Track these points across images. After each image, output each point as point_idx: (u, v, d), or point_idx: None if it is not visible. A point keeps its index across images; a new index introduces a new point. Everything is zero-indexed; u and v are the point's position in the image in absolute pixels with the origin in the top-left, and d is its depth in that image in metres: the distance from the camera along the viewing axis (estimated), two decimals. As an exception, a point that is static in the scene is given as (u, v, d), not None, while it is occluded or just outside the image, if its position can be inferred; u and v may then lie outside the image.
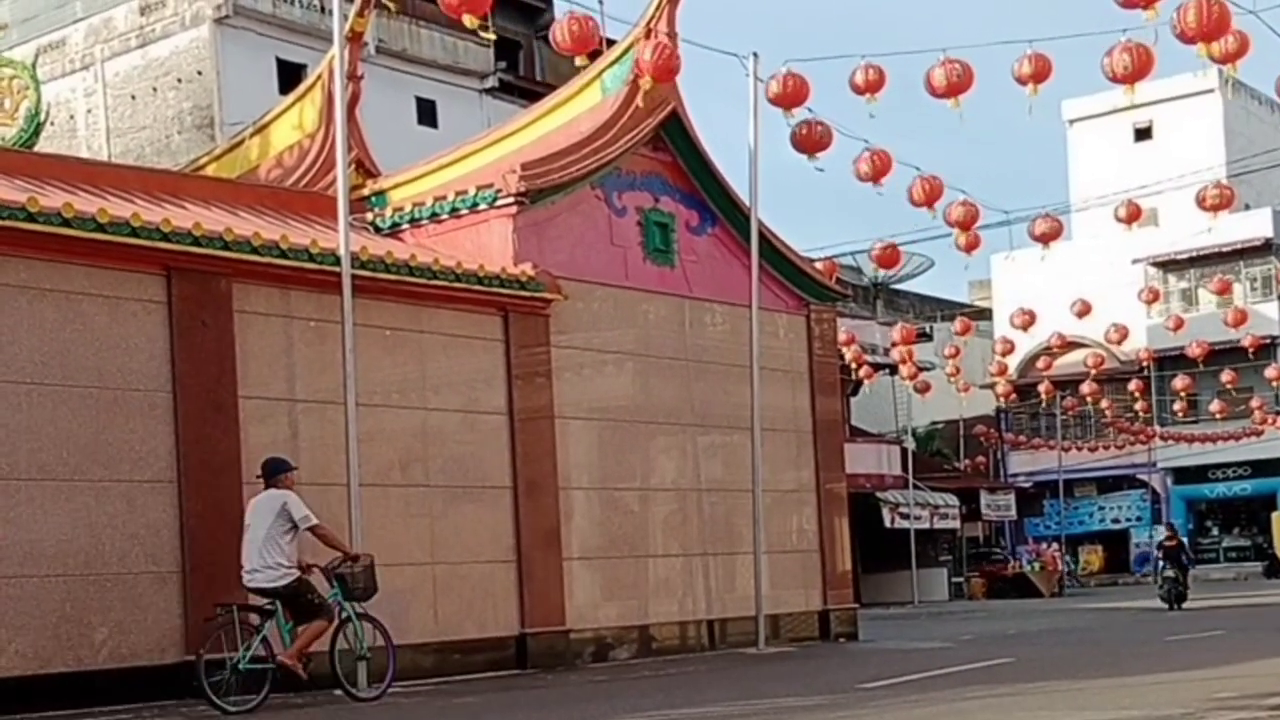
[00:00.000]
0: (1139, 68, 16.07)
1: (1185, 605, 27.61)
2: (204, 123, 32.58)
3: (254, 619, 12.45)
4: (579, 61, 16.12)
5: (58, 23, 35.33)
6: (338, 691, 13.02)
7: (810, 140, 17.84)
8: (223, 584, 13.65)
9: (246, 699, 12.17)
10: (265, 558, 12.46)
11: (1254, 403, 45.24)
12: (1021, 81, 17.01)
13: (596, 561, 17.58)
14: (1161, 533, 37.60)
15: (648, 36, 18.05)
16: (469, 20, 14.61)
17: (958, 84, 17.05)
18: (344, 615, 13.06)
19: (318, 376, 14.87)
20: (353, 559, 13.08)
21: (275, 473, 12.90)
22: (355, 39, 18.67)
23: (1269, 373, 43.68)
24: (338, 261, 14.42)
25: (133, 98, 33.98)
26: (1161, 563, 29.04)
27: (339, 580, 13.02)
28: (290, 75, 31.13)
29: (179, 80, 33.22)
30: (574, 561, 17.28)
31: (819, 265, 23.40)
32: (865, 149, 18.62)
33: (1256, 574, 47.07)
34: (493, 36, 15.72)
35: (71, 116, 34.85)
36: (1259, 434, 46.19)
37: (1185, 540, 33.50)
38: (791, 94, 17.23)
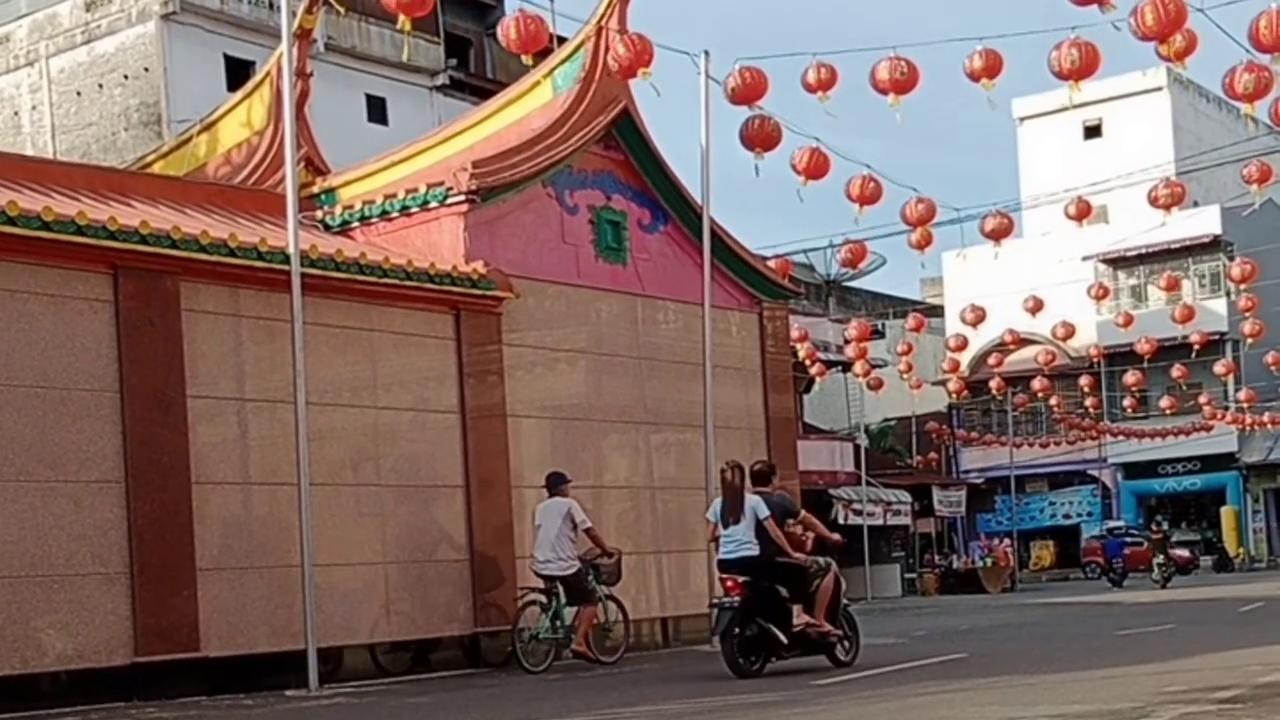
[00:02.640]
0: (1086, 64, 16.14)
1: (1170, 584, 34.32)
2: (151, 120, 32.32)
3: (543, 599, 15.43)
4: (526, 60, 16.04)
5: (1, 18, 34.97)
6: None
7: (760, 137, 17.81)
8: (170, 585, 13.56)
9: (541, 663, 15.23)
10: (557, 551, 15.32)
11: (1203, 398, 45.65)
12: (973, 77, 17.05)
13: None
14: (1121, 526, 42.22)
15: (599, 34, 18.02)
16: (403, 22, 14.56)
17: (902, 81, 17.08)
18: (599, 598, 15.82)
19: (267, 375, 14.75)
20: (607, 554, 15.99)
21: (559, 484, 15.83)
22: (304, 36, 18.54)
23: (1217, 368, 44.09)
24: (287, 260, 14.30)
25: (78, 94, 33.66)
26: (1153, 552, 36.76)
27: (594, 569, 15.81)
28: (238, 72, 30.94)
29: (125, 77, 32.94)
30: (527, 560, 17.20)
31: (771, 263, 23.44)
32: (802, 148, 18.54)
33: (1206, 568, 47.52)
34: (409, 28, 15.60)
35: (16, 113, 34.51)
36: (1208, 429, 46.60)
37: (1167, 533, 39.85)
38: (750, 89, 17.20)
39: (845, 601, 13.95)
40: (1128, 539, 45.44)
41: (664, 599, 19.04)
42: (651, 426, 19.08)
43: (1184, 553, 46.78)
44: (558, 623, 15.41)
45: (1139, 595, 31.12)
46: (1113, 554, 44.52)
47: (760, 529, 13.13)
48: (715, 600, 13.60)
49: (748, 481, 13.58)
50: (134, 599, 13.41)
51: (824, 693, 11.51)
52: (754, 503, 13.31)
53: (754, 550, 13.12)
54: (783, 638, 12.99)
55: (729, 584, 13.06)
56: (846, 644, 13.74)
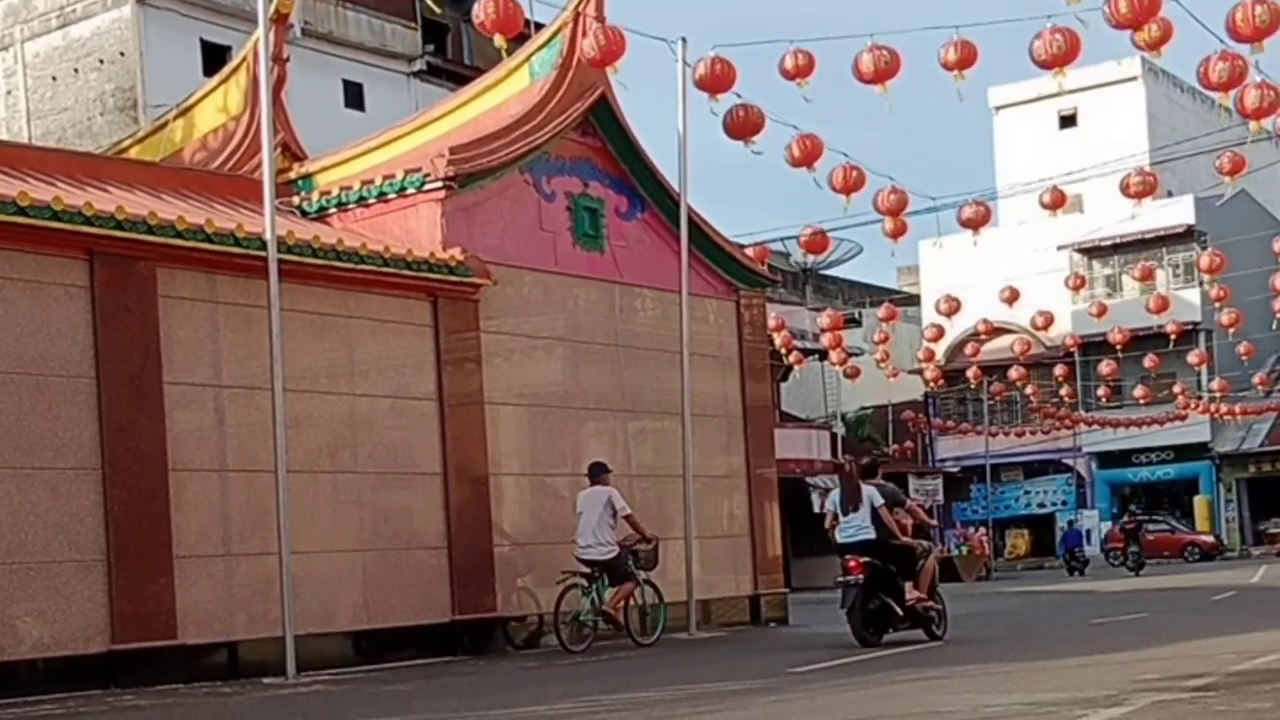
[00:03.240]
0: (1066, 52, 16.18)
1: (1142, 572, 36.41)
2: (127, 104, 32.15)
3: (584, 583, 16.09)
4: (499, 43, 15.97)
5: (-24, 3, 34.71)
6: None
7: (744, 125, 17.81)
8: (147, 572, 13.53)
9: (581, 644, 15.95)
10: (597, 536, 16.07)
11: (1176, 388, 45.84)
12: (947, 68, 17.08)
13: (528, 547, 17.52)
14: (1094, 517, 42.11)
15: (576, 19, 17.98)
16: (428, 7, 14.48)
17: (885, 70, 17.09)
18: (638, 581, 16.59)
19: (244, 362, 14.71)
20: (646, 540, 16.69)
21: (600, 473, 16.57)
22: (281, 20, 18.47)
23: (1191, 358, 44.28)
24: (264, 246, 14.26)
25: (53, 79, 33.47)
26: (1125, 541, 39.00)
27: (633, 554, 16.53)
28: (215, 57, 30.77)
29: (101, 61, 32.76)
30: (506, 548, 17.21)
31: (749, 251, 23.44)
32: (795, 134, 18.58)
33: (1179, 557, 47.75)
34: (440, 10, 15.56)
35: (-9, 98, 34.26)
36: (1182, 419, 46.82)
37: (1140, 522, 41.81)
38: (718, 78, 17.18)
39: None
40: (1150, 527, 45.62)
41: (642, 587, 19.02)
42: (629, 414, 19.09)
43: (1209, 539, 47.29)
44: (598, 606, 16.15)
45: (1112, 584, 31.28)
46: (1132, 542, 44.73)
47: (875, 515, 14.65)
48: (840, 579, 14.71)
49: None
50: (111, 586, 13.37)
51: (802, 680, 11.56)
52: (870, 492, 14.86)
53: (871, 534, 14.61)
54: (899, 610, 14.61)
55: (852, 564, 14.47)
56: (939, 621, 15.24)
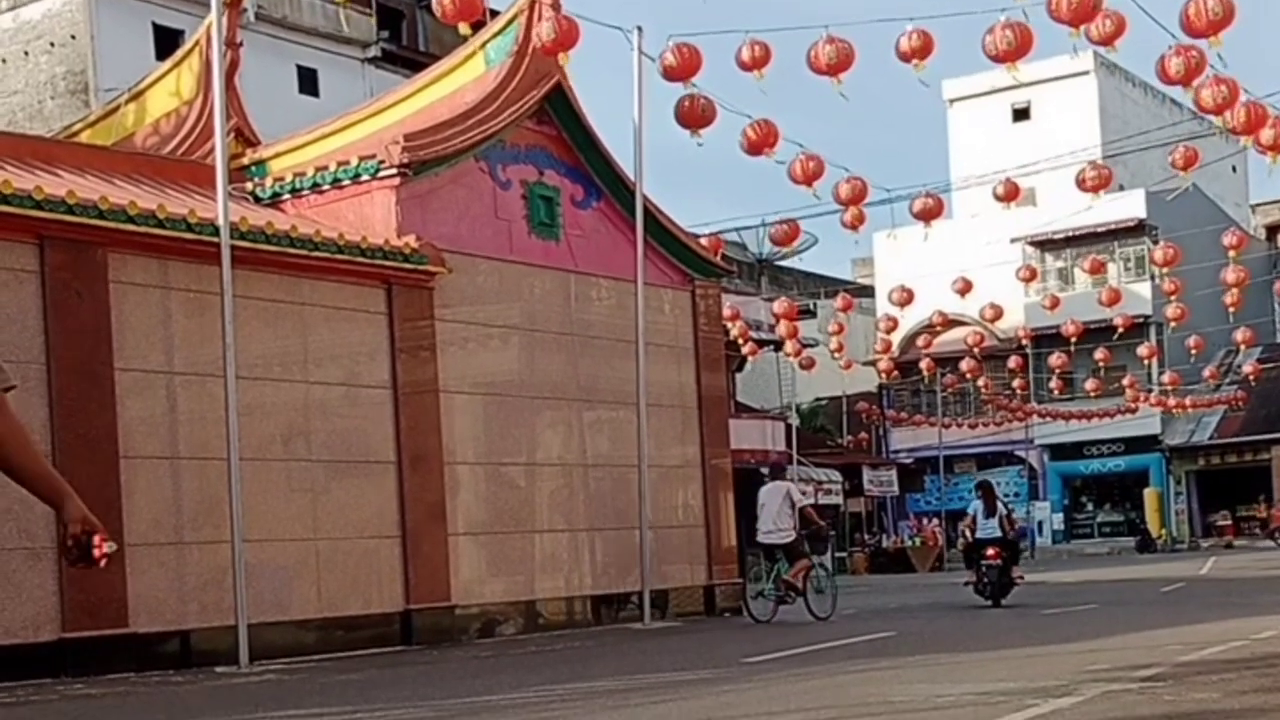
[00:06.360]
0: (1019, 47, 16.24)
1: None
2: (78, 88, 31.84)
3: (767, 564, 18.50)
4: (462, 30, 15.91)
5: (-76, -16, 34.26)
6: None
7: (694, 115, 17.79)
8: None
9: (764, 615, 18.08)
10: (778, 524, 18.25)
11: (1127, 381, 46.16)
12: (905, 58, 17.10)
13: (482, 537, 17.50)
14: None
15: (532, 7, 17.92)
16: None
17: (840, 63, 17.10)
18: (812, 563, 18.68)
19: (197, 349, 14.60)
20: (820, 526, 19.63)
21: (779, 472, 20.01)
22: (234, 5, 18.32)
23: (1141, 351, 44.60)
24: (216, 232, 14.15)
25: (3, 61, 33.09)
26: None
27: (809, 539, 18.78)
28: (167, 41, 30.50)
29: (52, 45, 32.41)
30: (459, 537, 17.18)
31: (704, 241, 23.44)
32: (756, 119, 18.53)
33: (1129, 549, 48.16)
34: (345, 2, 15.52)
35: (-61, 81, 33.85)
36: (1132, 411, 47.13)
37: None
38: (684, 66, 17.16)
39: None
40: None
41: (596, 577, 19.06)
42: (584, 404, 19.07)
43: (1228, 522, 47.80)
44: (780, 579, 18.18)
45: (1063, 575, 31.52)
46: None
47: (1002, 520, 20.61)
48: (986, 563, 20.13)
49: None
50: (61, 574, 13.24)
51: (754, 670, 11.58)
52: (1002, 502, 21.47)
53: (999, 533, 20.40)
54: (1014, 582, 20.40)
55: (991, 552, 20.12)
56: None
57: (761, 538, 18.56)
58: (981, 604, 19.95)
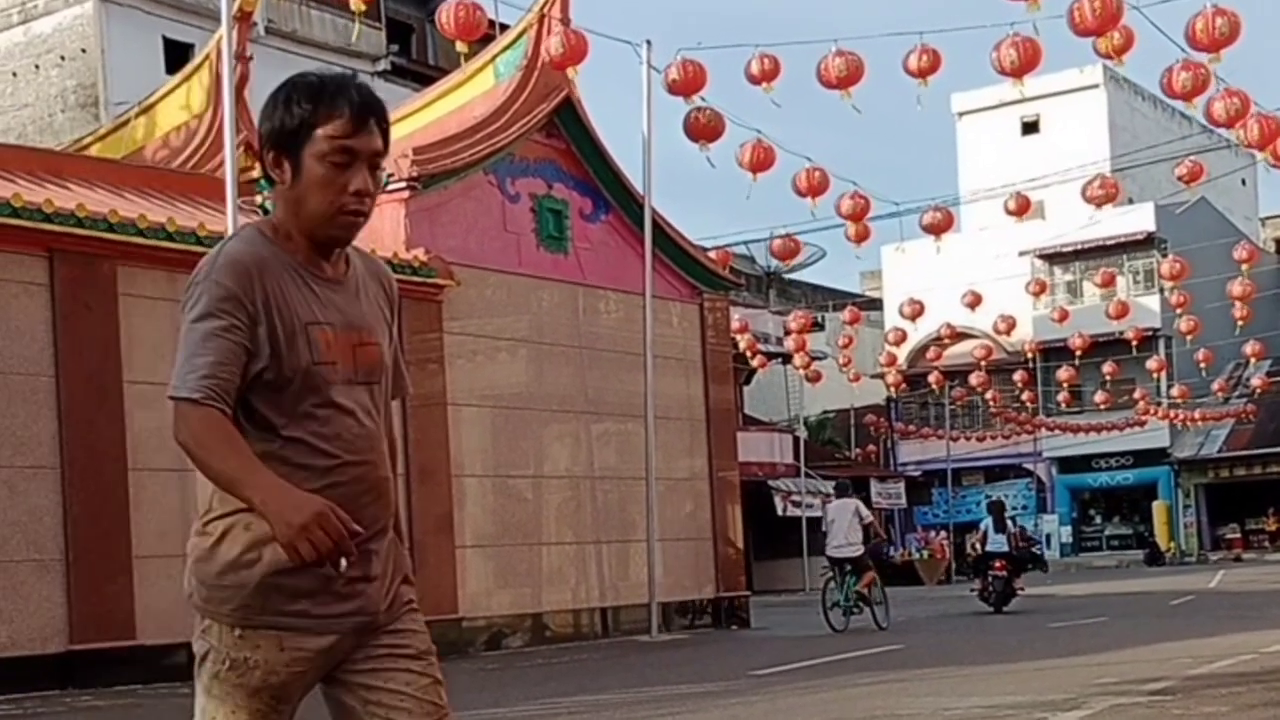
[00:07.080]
0: (1027, 61, 16.24)
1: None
2: (88, 102, 31.92)
3: (838, 576, 19.33)
4: (459, 48, 15.93)
5: (-64, -2, 34.37)
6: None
7: (703, 129, 17.81)
8: (106, 572, 13.43)
9: (841, 622, 18.81)
10: (849, 538, 19.30)
11: (1136, 394, 46.10)
12: (912, 75, 17.11)
13: (489, 549, 17.50)
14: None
15: (541, 21, 17.97)
16: (355, 2, 14.53)
17: (849, 76, 17.11)
18: (875, 576, 19.73)
19: (205, 362, 14.58)
20: (881, 539, 22.50)
21: (846, 490, 21.33)
22: (244, 19, 18.36)
23: (1150, 365, 44.53)
24: (226, 245, 14.15)
25: (14, 75, 33.20)
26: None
27: (872, 554, 20.07)
28: (177, 54, 30.60)
29: (62, 58, 32.51)
30: (467, 549, 17.19)
31: (712, 254, 23.47)
32: (756, 137, 18.54)
33: (1138, 561, 48.03)
34: (363, 6, 15.61)
35: (-50, 94, 33.95)
36: (1141, 424, 47.05)
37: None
38: (689, 81, 17.19)
39: None
40: None
41: (603, 589, 19.06)
42: (592, 416, 19.08)
43: (1237, 535, 47.83)
44: (851, 591, 19.21)
45: (1071, 588, 31.44)
46: None
47: (1011, 536, 22.88)
48: (993, 574, 22.17)
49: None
50: (69, 586, 13.27)
51: (763, 683, 11.58)
52: (1010, 520, 23.56)
53: (1006, 547, 22.56)
54: (1015, 592, 22.33)
55: (998, 564, 22.23)
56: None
57: (832, 552, 19.52)
58: (985, 610, 21.49)
